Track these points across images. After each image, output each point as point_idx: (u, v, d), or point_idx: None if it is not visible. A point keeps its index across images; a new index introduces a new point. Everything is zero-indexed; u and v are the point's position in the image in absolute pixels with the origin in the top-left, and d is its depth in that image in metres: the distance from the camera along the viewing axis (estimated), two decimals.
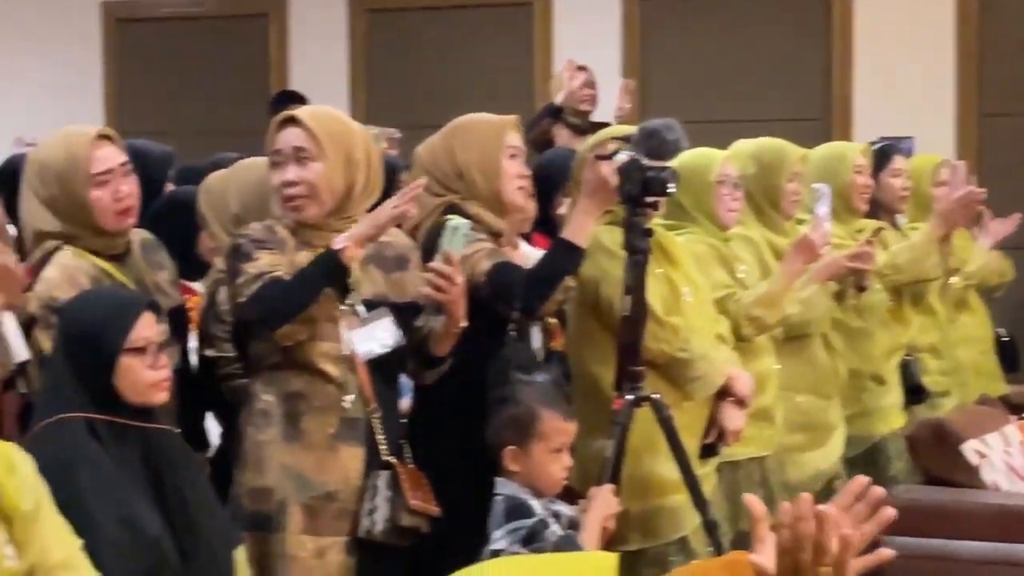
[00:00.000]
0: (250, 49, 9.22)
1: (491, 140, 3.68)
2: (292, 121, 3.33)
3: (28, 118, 8.65)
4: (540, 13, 8.60)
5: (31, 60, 8.96)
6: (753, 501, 1.63)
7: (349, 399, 3.28)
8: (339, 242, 3.13)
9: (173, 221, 3.85)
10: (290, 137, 3.32)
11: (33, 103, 9.27)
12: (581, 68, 7.03)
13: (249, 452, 3.28)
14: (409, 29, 9.07)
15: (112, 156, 3.35)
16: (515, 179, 3.66)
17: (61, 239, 3.27)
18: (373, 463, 3.22)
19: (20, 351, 3.11)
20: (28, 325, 3.12)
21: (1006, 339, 5.86)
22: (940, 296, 5.16)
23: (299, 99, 8.30)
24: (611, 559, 2.32)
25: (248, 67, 9.35)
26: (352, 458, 3.22)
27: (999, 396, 5.30)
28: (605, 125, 6.05)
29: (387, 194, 3.23)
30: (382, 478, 3.21)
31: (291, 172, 3.27)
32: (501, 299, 3.45)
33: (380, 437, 3.26)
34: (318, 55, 8.96)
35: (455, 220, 3.40)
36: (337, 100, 8.75)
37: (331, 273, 3.17)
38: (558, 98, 6.96)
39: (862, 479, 1.63)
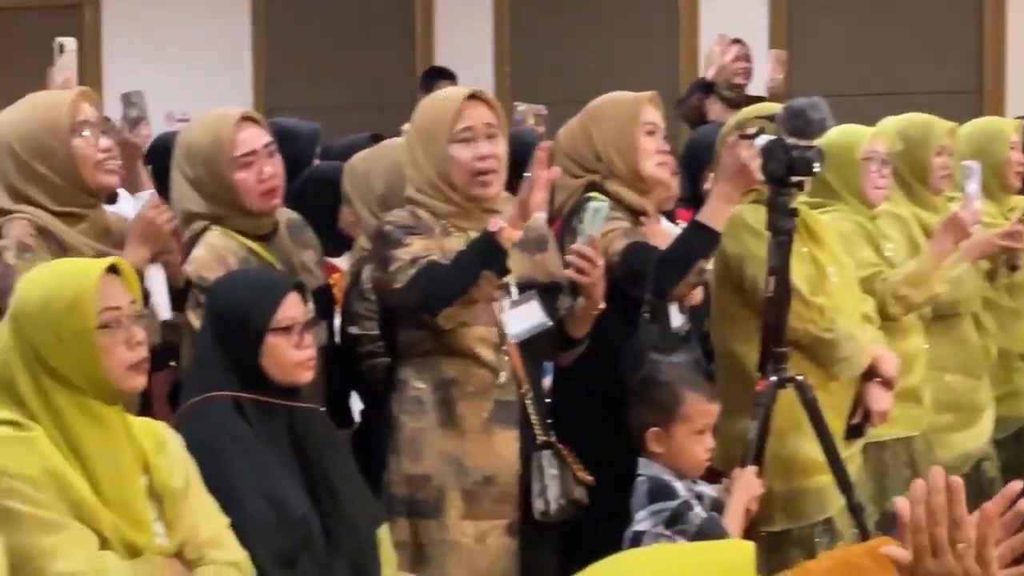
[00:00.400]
0: (396, 25, 9.17)
1: (627, 119, 3.61)
2: (476, 98, 3.33)
3: (180, 93, 8.59)
4: None
5: (182, 35, 9.06)
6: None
7: (503, 380, 3.27)
8: (494, 224, 3.11)
9: (315, 197, 3.85)
10: (479, 114, 3.31)
11: (184, 78, 9.25)
12: (736, 41, 6.91)
13: (404, 439, 3.27)
14: (553, 3, 8.95)
15: (256, 138, 3.37)
16: (653, 156, 3.57)
17: (209, 220, 3.30)
18: (529, 444, 3.21)
19: (164, 309, 3.12)
20: (179, 300, 3.14)
21: None
22: None
23: (449, 76, 8.35)
24: (748, 547, 2.26)
25: (394, 43, 9.31)
26: (508, 441, 3.23)
27: None
28: (760, 99, 6.08)
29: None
30: (545, 457, 3.21)
31: (485, 147, 3.25)
32: (634, 280, 3.39)
33: (534, 418, 3.27)
34: (463, 30, 8.89)
35: (596, 202, 3.38)
36: (482, 75, 8.79)
37: (489, 255, 3.14)
38: (710, 73, 6.86)
39: (1016, 485, 1.56)
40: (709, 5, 8.39)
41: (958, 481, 1.50)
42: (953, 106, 5.92)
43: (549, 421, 3.37)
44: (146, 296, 2.92)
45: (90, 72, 9.03)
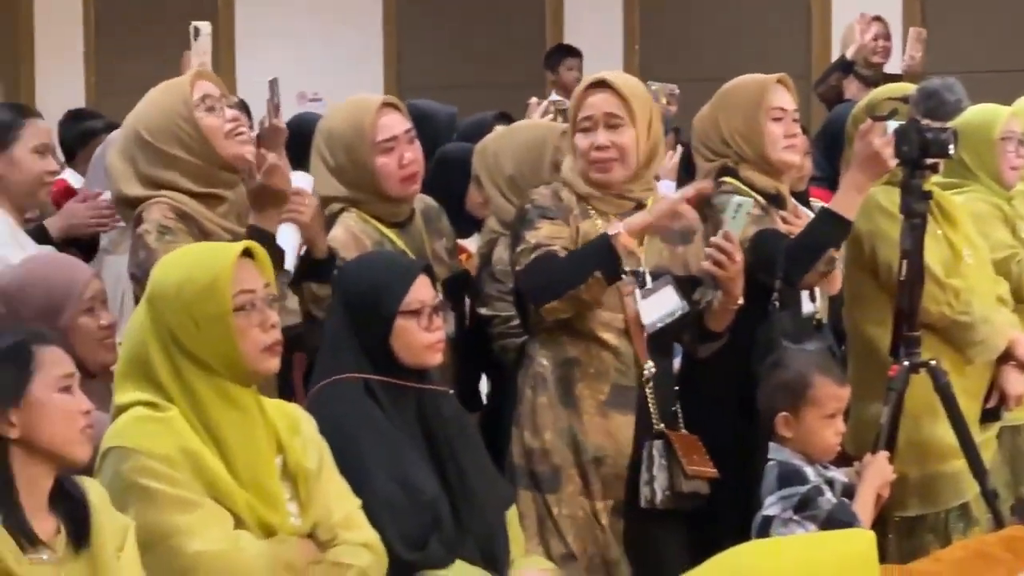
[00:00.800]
0: (526, 3, 9.10)
1: (752, 105, 3.54)
2: (602, 85, 3.27)
3: (311, 74, 8.73)
4: None
5: (314, 15, 9.07)
6: None
7: (625, 368, 3.23)
8: (615, 228, 3.09)
9: (443, 178, 3.79)
10: (600, 102, 3.25)
11: (316, 59, 9.29)
12: (876, 19, 6.77)
13: (526, 413, 3.25)
14: None
15: (397, 123, 3.34)
16: (780, 140, 3.50)
17: (347, 203, 3.30)
18: (645, 431, 3.17)
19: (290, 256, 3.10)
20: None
21: None
22: None
23: (575, 53, 8.33)
24: (870, 537, 2.21)
25: (523, 21, 9.21)
26: (623, 425, 3.18)
27: None
28: (896, 77, 5.93)
29: None
30: (656, 447, 3.16)
31: (602, 136, 3.20)
32: (763, 268, 3.34)
33: (652, 407, 3.22)
34: (593, 7, 8.79)
35: (739, 197, 3.31)
36: (611, 54, 8.77)
37: (602, 258, 3.11)
38: (849, 52, 6.74)
39: None
40: None
41: None
42: None
43: (674, 409, 3.32)
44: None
45: (223, 55, 9.01)
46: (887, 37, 6.55)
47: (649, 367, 3.24)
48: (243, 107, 4.11)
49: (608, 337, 3.17)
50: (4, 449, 2.17)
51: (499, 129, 4.22)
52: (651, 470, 3.16)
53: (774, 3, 8.65)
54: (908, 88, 3.66)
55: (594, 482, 3.21)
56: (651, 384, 3.20)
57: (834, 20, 7.95)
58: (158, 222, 3.08)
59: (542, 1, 8.97)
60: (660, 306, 3.22)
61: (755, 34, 8.62)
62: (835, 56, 7.19)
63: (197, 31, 4.13)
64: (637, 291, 3.22)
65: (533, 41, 8.82)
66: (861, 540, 2.21)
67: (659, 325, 3.19)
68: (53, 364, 2.22)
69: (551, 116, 5.25)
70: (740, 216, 3.19)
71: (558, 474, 3.20)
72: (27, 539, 2.14)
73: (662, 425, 3.21)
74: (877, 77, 6.13)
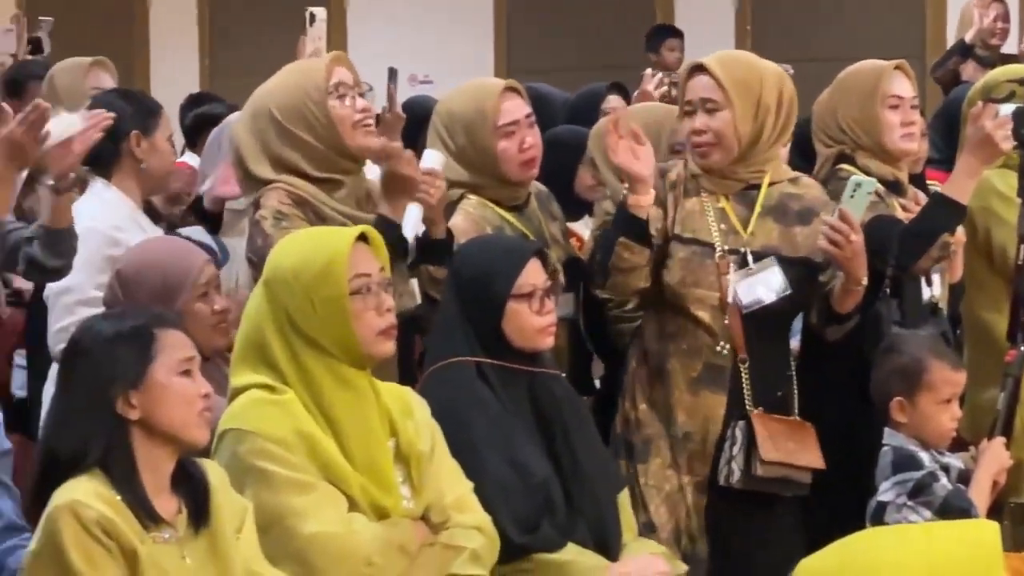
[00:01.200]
0: None
1: (868, 93, 3.43)
2: (701, 69, 3.21)
3: (422, 58, 8.65)
4: None
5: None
6: None
7: (721, 346, 3.18)
8: (631, 199, 3.06)
9: (552, 161, 3.69)
10: (698, 87, 3.21)
11: (427, 43, 9.20)
12: (996, 0, 6.64)
13: (628, 383, 3.24)
14: None
15: (518, 108, 3.31)
16: (897, 128, 3.38)
17: (466, 189, 3.27)
18: (735, 411, 3.12)
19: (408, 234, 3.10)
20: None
21: None
22: None
23: (675, 33, 8.23)
24: (993, 527, 1.91)
25: (634, 3, 9.09)
26: (714, 403, 3.14)
27: None
28: (1014, 58, 5.82)
29: None
30: (740, 428, 3.12)
31: (699, 121, 3.16)
32: (876, 253, 3.18)
33: (747, 388, 3.16)
34: None
35: (859, 176, 3.21)
36: (723, 34, 8.64)
37: (620, 223, 3.07)
38: (968, 35, 6.47)
39: None
40: None
41: None
42: None
43: (781, 393, 3.22)
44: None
45: (335, 39, 8.77)
46: (1006, 18, 6.34)
47: (742, 348, 3.18)
48: None
49: (702, 315, 3.12)
50: (125, 430, 2.15)
51: (615, 105, 4.19)
52: (732, 449, 3.12)
53: None
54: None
55: (681, 456, 3.18)
56: (747, 364, 3.13)
57: (949, 3, 7.78)
58: (275, 208, 3.05)
59: None
60: (760, 287, 3.14)
61: (869, 14, 8.47)
62: (950, 36, 6.99)
63: (312, 17, 4.11)
64: (734, 271, 3.15)
65: (643, 23, 8.57)
66: (986, 531, 2.12)
67: (755, 306, 3.11)
68: (174, 347, 2.20)
69: (664, 89, 5.24)
70: (860, 195, 3.06)
71: (648, 445, 3.18)
72: (149, 517, 2.12)
73: (760, 408, 3.13)
74: (994, 58, 6.00)
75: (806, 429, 3.15)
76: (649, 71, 5.17)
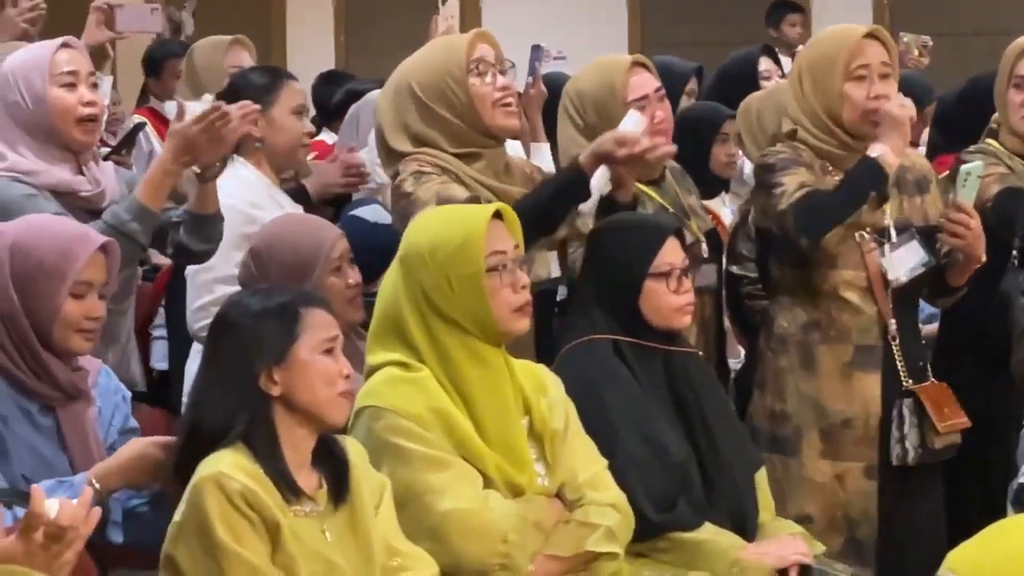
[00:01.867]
0: None
1: (1001, 74, 3.35)
2: (873, 36, 3.11)
3: (556, 33, 8.13)
4: None
5: None
6: None
7: (868, 327, 3.06)
8: (875, 150, 2.91)
9: (687, 138, 3.59)
10: (877, 52, 3.07)
11: (561, 18, 8.95)
12: None
13: (768, 376, 3.13)
14: None
15: (647, 82, 3.19)
16: (1019, 110, 3.30)
17: None
18: (893, 389, 2.99)
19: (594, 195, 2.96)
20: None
21: None
22: None
23: (796, 8, 7.92)
24: None
25: None
26: (869, 385, 3.01)
27: None
28: None
29: None
30: (907, 405, 2.97)
31: (879, 86, 3.03)
32: (1004, 226, 3.14)
33: (900, 364, 3.02)
34: None
35: (968, 165, 3.10)
36: (862, 6, 8.39)
37: (874, 177, 2.92)
38: None
39: None
40: None
41: None
42: None
43: (922, 364, 3.12)
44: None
45: (469, 16, 8.67)
46: None
47: (892, 325, 3.05)
48: None
49: (851, 296, 3.00)
50: (268, 405, 2.12)
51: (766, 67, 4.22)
52: (902, 428, 2.98)
53: None
54: None
55: (842, 444, 3.04)
56: (897, 341, 3.00)
57: None
58: (414, 170, 2.94)
59: None
60: (906, 260, 3.04)
61: None
62: None
63: None
64: (885, 246, 3.02)
65: None
66: None
67: (904, 279, 2.98)
68: (319, 326, 2.16)
69: (916, 55, 5.23)
70: (971, 182, 2.99)
71: (799, 438, 3.06)
72: (291, 491, 2.10)
73: (910, 382, 3.01)
74: None
75: (947, 390, 3.04)
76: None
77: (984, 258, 2.98)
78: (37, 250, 2.45)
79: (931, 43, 5.32)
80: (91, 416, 2.48)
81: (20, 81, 3.08)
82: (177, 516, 2.10)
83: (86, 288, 2.40)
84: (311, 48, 9.50)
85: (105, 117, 3.65)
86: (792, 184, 3.00)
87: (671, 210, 3.16)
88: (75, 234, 2.51)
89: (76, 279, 2.39)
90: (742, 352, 3.84)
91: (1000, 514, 2.69)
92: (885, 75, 3.01)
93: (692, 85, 4.24)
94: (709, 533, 2.56)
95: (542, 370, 2.55)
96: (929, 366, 3.12)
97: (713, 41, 8.12)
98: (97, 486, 2.25)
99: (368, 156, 3.96)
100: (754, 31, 8.19)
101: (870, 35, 3.11)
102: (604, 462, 2.46)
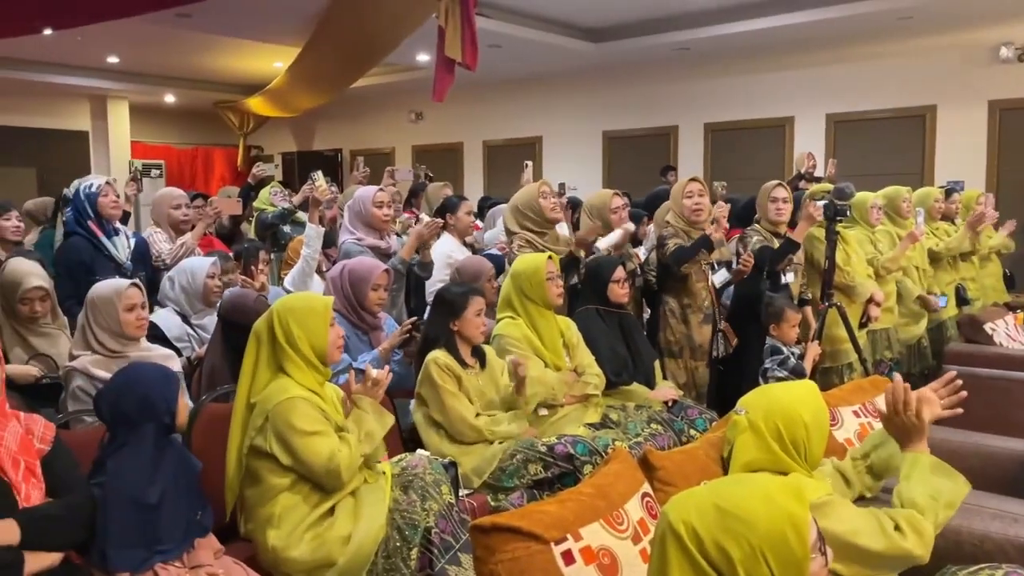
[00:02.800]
0: None
1: (763, 194, 4.56)
2: (695, 180, 4.32)
3: (571, 175, 10.88)
4: None
5: None
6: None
7: (705, 304, 4.42)
8: (708, 230, 4.22)
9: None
10: (697, 187, 4.37)
11: (573, 169, 11.63)
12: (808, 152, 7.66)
13: (664, 326, 4.43)
14: None
15: (618, 201, 4.49)
16: (773, 209, 4.52)
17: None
18: (714, 329, 4.31)
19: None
20: None
21: (1008, 274, 6.80)
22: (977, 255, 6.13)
23: (671, 169, 10.18)
24: (813, 384, 2.56)
25: None
26: (707, 329, 4.38)
27: (1004, 303, 6.15)
28: (818, 179, 7.52)
29: None
30: (719, 334, 4.37)
31: (699, 201, 4.31)
32: (761, 262, 4.31)
33: (719, 319, 4.40)
34: None
35: (751, 245, 4.44)
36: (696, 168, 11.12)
37: (706, 243, 4.27)
38: (799, 169, 7.80)
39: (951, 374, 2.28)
40: None
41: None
42: None
43: (724, 319, 4.43)
44: None
45: (536, 169, 11.37)
46: (812, 159, 7.57)
47: (714, 302, 4.25)
48: None
49: (700, 290, 4.31)
50: (452, 333, 3.39)
51: None
52: (716, 343, 4.32)
53: None
54: None
55: (696, 351, 4.41)
56: (716, 309, 4.30)
57: None
58: (517, 242, 4.37)
59: None
60: (720, 277, 4.35)
61: None
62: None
63: (526, 165, 5.77)
64: (712, 271, 4.31)
65: None
66: (810, 385, 2.51)
67: (719, 284, 4.30)
68: (477, 303, 3.46)
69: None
70: (752, 245, 4.25)
71: (680, 349, 4.40)
72: (462, 364, 3.38)
73: (722, 324, 4.28)
74: (810, 179, 7.24)
75: (731, 327, 4.37)
76: None
77: (745, 274, 4.29)
78: (358, 268, 3.89)
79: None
80: (382, 335, 3.86)
81: (363, 202, 4.52)
82: (419, 376, 3.39)
83: (378, 286, 3.82)
84: (474, 187, 12.11)
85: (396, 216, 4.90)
86: (672, 244, 4.31)
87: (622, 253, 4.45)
88: (375, 264, 3.94)
89: (375, 283, 3.80)
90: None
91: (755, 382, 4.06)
92: (702, 195, 4.34)
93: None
94: (635, 386, 3.93)
95: (567, 319, 3.88)
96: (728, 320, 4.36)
97: (646, 181, 9.74)
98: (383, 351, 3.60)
99: (495, 231, 5.49)
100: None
101: (694, 180, 4.42)
102: (592, 357, 3.79)
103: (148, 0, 6.52)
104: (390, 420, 2.85)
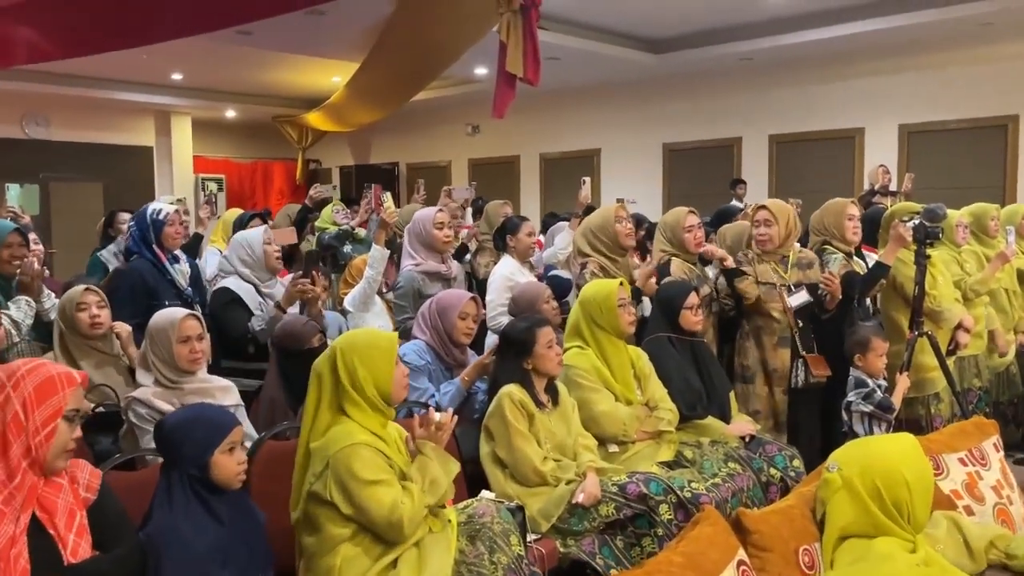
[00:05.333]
0: None
1: (839, 214, 4.49)
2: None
3: (631, 190, 11.06)
4: None
5: None
6: None
7: (783, 328, 4.20)
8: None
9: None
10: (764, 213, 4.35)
11: (634, 181, 11.63)
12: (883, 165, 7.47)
13: (739, 349, 4.37)
14: None
15: (693, 219, 4.35)
16: (851, 229, 4.42)
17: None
18: (794, 355, 4.19)
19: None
20: None
21: None
22: None
23: (741, 182, 10.01)
24: (911, 437, 2.49)
25: None
26: (784, 353, 4.19)
27: None
28: (894, 194, 7.05)
29: None
30: (800, 362, 4.17)
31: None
32: (848, 288, 4.16)
33: (798, 343, 4.15)
34: None
35: (833, 254, 4.38)
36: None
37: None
38: (873, 185, 7.54)
39: None
40: None
41: None
42: None
43: (806, 345, 4.25)
44: None
45: (594, 187, 11.35)
46: (887, 172, 7.41)
47: (793, 328, 4.05)
48: None
49: (776, 313, 4.13)
50: (527, 371, 3.29)
51: None
52: (796, 372, 4.11)
53: None
54: None
55: (773, 379, 4.14)
56: (797, 334, 4.04)
57: None
58: (589, 267, 4.30)
59: None
60: (797, 299, 4.19)
61: None
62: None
63: (584, 181, 5.78)
64: (788, 294, 4.11)
65: None
66: (908, 437, 2.43)
67: (794, 306, 4.06)
68: (547, 335, 3.34)
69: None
70: (834, 263, 4.08)
71: (754, 375, 4.20)
72: (537, 403, 3.27)
73: (801, 352, 4.04)
74: (886, 193, 6.94)
75: (820, 358, 4.15)
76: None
77: (840, 297, 4.12)
78: (445, 297, 3.85)
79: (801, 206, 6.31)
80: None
81: (423, 223, 4.47)
82: (490, 408, 3.27)
83: (466, 315, 3.73)
84: (530, 201, 11.97)
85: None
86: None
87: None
88: (463, 293, 3.82)
89: (462, 311, 3.73)
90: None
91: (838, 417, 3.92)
92: (769, 221, 4.20)
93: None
94: (709, 420, 3.77)
95: (637, 349, 3.75)
96: (814, 345, 4.16)
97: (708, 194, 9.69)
98: (464, 382, 3.51)
99: (554, 248, 5.48)
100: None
101: (691, 212, 4.33)
102: (664, 389, 3.66)
103: (215, 19, 6.57)
104: (456, 467, 2.72)
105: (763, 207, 4.34)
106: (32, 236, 4.47)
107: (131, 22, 6.64)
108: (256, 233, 4.33)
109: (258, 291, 4.23)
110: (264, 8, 6.43)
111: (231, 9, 6.42)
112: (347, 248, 6.11)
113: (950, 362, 4.48)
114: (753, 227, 4.36)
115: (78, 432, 2.08)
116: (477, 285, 4.90)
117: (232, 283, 4.18)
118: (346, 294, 4.77)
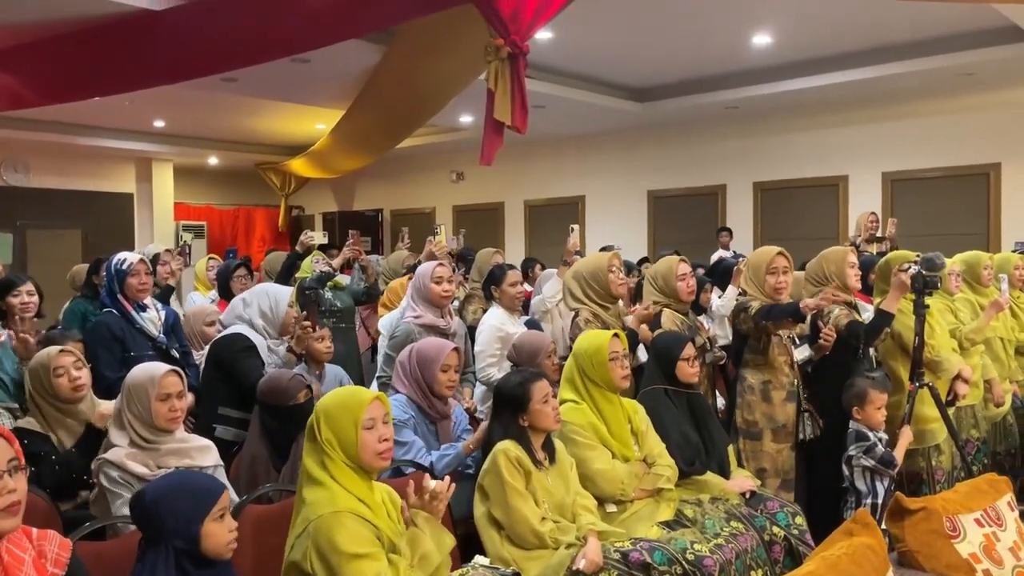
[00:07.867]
0: None
1: (840, 262, 4.34)
2: (782, 255, 4.18)
3: (616, 237, 10.50)
4: None
5: None
6: None
7: (790, 382, 4.09)
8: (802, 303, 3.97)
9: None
10: (782, 261, 4.28)
11: (617, 229, 11.38)
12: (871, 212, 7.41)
13: (742, 404, 4.21)
14: None
15: (684, 267, 4.34)
16: (853, 276, 4.27)
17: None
18: (798, 409, 4.08)
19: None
20: None
21: None
22: None
23: (726, 230, 10.16)
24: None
25: None
26: (791, 408, 4.10)
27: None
28: (880, 239, 7.02)
29: None
30: (804, 415, 4.08)
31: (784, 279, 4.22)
32: (851, 337, 4.07)
33: (802, 398, 4.06)
34: None
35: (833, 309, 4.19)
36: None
37: (793, 311, 4.01)
38: (859, 234, 7.48)
39: None
40: None
41: None
42: None
43: (809, 399, 4.15)
44: None
45: (582, 234, 11.12)
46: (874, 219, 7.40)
47: (798, 382, 3.98)
48: None
49: (782, 366, 4.06)
50: (523, 428, 3.12)
51: None
52: (802, 425, 4.04)
53: None
54: None
55: (779, 434, 4.05)
56: (801, 387, 3.92)
57: None
58: (584, 316, 4.18)
59: None
60: (801, 353, 4.12)
61: None
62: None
63: (573, 229, 5.66)
64: (794, 347, 4.03)
65: None
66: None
67: (800, 360, 4.01)
68: (542, 390, 3.17)
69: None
70: (833, 318, 3.99)
71: (761, 431, 4.09)
72: (534, 461, 3.07)
73: (805, 405, 3.92)
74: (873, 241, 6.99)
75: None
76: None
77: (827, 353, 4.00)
78: (425, 348, 3.66)
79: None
80: (451, 424, 3.64)
81: (423, 278, 4.35)
82: (484, 465, 3.07)
83: (448, 367, 3.56)
84: (515, 248, 11.90)
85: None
86: (755, 305, 4.13)
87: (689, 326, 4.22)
88: (443, 343, 3.70)
89: (444, 363, 3.56)
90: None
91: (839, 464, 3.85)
92: (785, 270, 4.14)
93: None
94: (709, 476, 3.63)
95: (634, 402, 3.59)
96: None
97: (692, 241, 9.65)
98: (467, 449, 3.34)
99: (542, 296, 5.32)
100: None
101: (780, 254, 4.16)
102: (662, 445, 3.50)
103: (201, 66, 6.52)
104: (451, 542, 2.52)
105: (781, 254, 4.26)
106: (27, 287, 4.44)
107: (114, 69, 6.59)
108: (285, 292, 4.22)
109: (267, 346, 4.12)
110: (250, 56, 6.37)
111: (217, 57, 6.35)
112: (329, 295, 5.92)
113: (949, 412, 4.38)
114: (769, 275, 4.25)
115: (21, 483, 1.86)
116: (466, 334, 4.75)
117: (246, 331, 4.05)
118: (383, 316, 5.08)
